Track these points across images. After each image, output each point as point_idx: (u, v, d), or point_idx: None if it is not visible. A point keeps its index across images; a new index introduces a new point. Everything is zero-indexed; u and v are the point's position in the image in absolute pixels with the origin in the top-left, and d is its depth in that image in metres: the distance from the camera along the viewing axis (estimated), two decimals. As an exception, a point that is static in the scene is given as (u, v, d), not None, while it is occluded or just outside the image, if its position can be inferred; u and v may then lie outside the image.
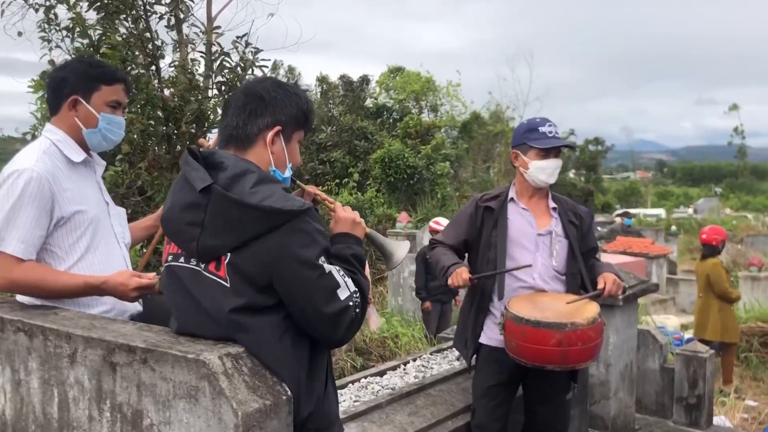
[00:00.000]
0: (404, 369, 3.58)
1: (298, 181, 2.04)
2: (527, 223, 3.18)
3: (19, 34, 7.37)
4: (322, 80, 20.90)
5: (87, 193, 2.36)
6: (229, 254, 1.70)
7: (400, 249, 2.13)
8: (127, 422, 1.78)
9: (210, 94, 6.03)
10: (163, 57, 6.64)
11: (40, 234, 2.22)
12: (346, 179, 13.94)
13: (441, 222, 7.70)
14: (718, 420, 5.82)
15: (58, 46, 7.19)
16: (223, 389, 1.58)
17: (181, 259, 1.81)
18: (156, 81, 6.58)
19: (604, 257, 12.43)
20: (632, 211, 35.06)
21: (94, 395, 1.85)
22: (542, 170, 3.12)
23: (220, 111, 6.05)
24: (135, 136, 6.17)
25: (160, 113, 6.20)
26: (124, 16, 6.82)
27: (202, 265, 1.76)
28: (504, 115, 29.92)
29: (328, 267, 1.70)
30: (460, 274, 3.02)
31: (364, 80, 21.83)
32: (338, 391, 3.25)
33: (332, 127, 17.87)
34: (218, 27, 6.96)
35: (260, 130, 1.85)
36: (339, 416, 1.93)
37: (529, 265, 3.07)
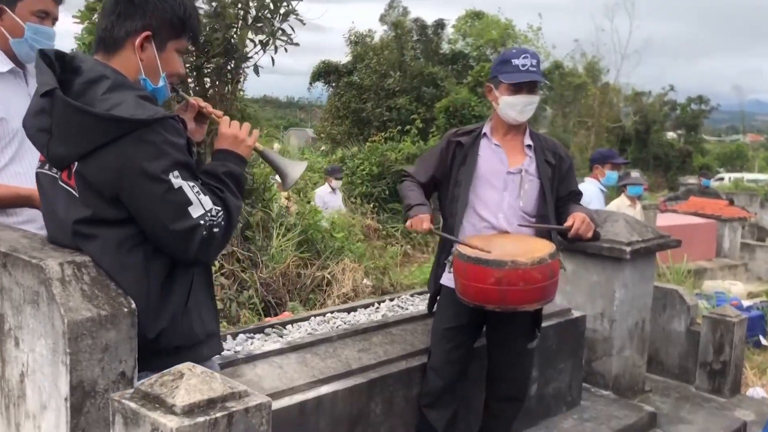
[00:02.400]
0: (377, 308, 3.49)
1: (181, 91, 1.95)
2: (498, 160, 2.98)
3: None
4: (396, 24, 20.52)
5: (13, 103, 2.35)
6: (76, 163, 1.64)
7: (295, 168, 2.04)
8: (-6, 326, 1.78)
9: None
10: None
11: None
12: (408, 126, 13.73)
13: None
14: (753, 391, 5.47)
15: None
16: (54, 295, 1.55)
17: (46, 167, 1.77)
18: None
19: (672, 218, 11.91)
20: (735, 175, 32.97)
21: (-27, 298, 1.87)
22: (512, 106, 2.89)
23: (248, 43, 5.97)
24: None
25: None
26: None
27: (58, 174, 1.71)
28: (597, 67, 28.58)
29: (178, 182, 1.61)
30: (422, 222, 2.83)
31: (439, 25, 21.27)
32: (298, 323, 3.21)
33: (400, 72, 17.55)
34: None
35: (128, 34, 1.75)
36: (215, 336, 1.87)
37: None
